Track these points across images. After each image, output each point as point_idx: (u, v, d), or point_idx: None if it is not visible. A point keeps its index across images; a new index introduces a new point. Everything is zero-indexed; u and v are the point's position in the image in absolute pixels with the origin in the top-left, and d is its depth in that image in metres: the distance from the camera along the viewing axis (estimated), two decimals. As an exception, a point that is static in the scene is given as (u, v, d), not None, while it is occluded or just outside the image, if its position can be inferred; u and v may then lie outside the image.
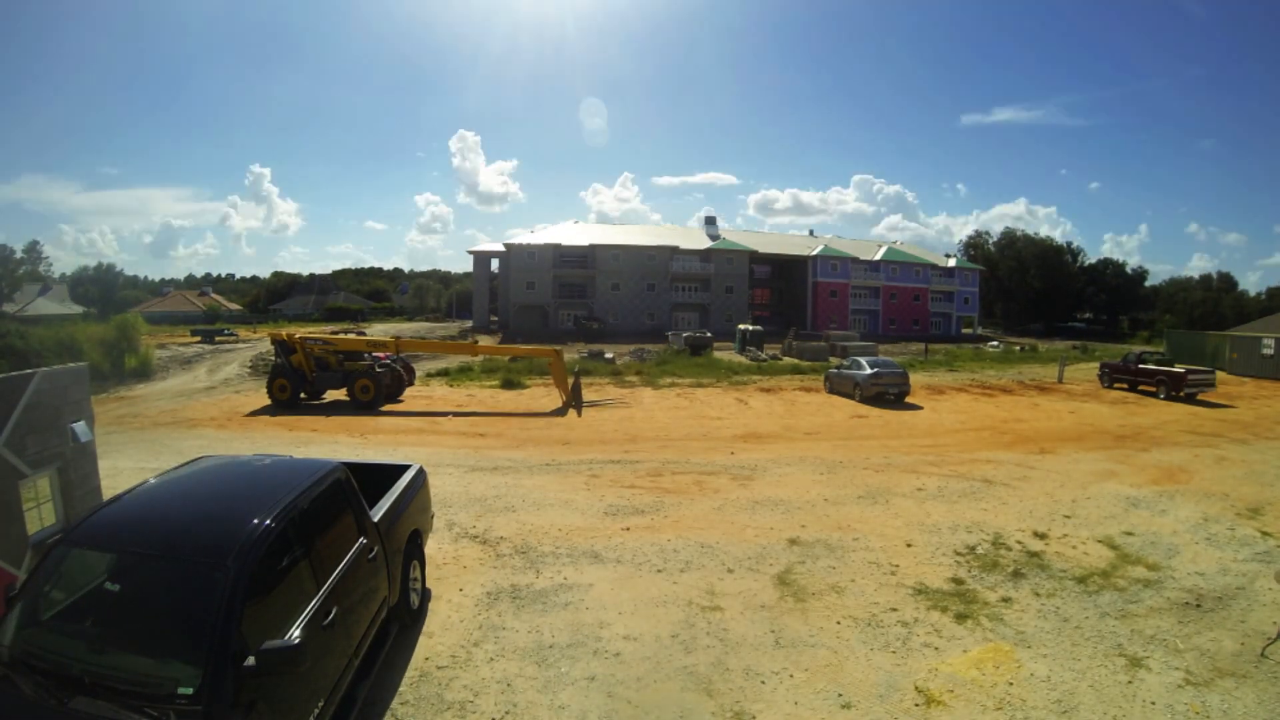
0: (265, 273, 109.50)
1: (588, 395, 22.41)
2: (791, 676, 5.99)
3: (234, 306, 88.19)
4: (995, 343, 53.96)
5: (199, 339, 42.07)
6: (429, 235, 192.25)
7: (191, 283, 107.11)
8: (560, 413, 20.35)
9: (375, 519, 5.94)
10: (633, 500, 11.02)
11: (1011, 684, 5.88)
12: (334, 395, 21.90)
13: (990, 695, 5.71)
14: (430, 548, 8.91)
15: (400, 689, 5.73)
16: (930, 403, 22.89)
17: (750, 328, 43.76)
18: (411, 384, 24.18)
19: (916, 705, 5.58)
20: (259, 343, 38.60)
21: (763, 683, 5.89)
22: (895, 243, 73.47)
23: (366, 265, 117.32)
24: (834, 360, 32.49)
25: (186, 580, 3.85)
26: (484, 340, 43.90)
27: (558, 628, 6.79)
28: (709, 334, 43.43)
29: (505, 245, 59.28)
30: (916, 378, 29.36)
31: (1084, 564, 8.54)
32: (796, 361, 35.41)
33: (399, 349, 23.33)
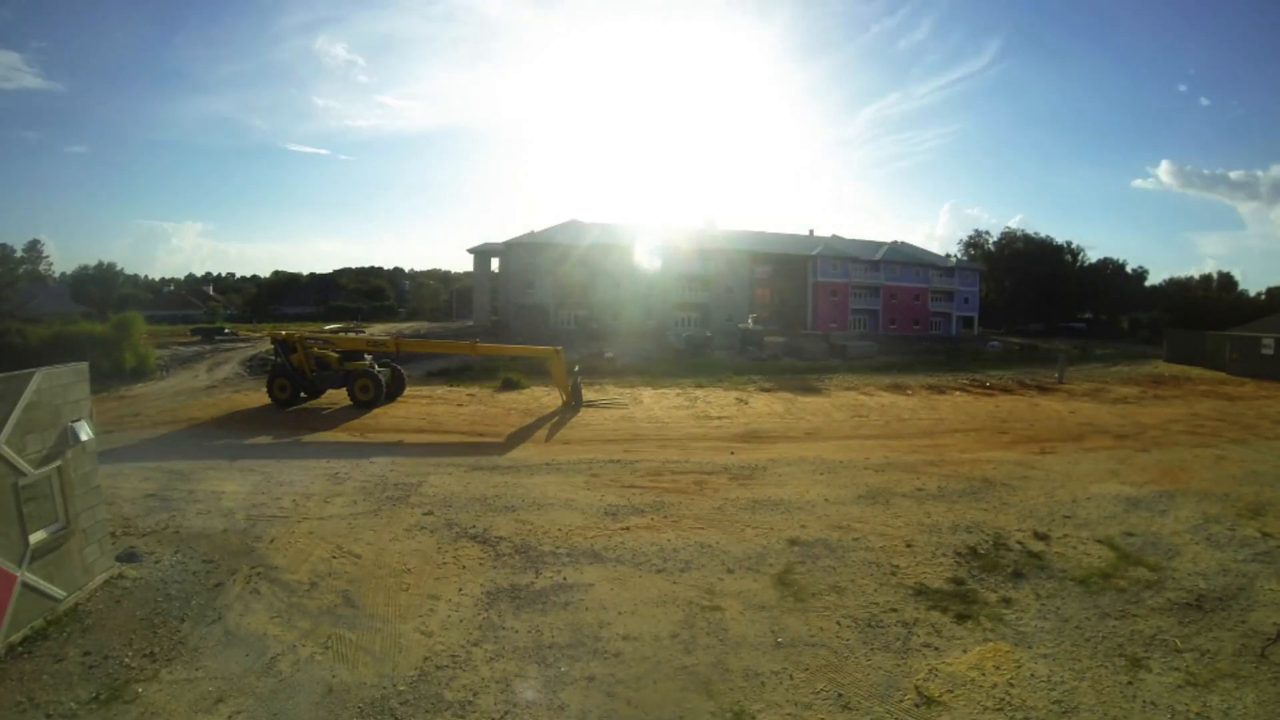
0: (265, 272, 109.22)
1: (588, 395, 22.38)
2: (791, 677, 5.99)
3: (233, 308, 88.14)
4: (995, 342, 53.94)
5: (199, 338, 42.01)
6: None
7: (191, 282, 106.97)
8: (558, 413, 20.34)
9: None
10: (633, 500, 11.01)
11: (1012, 684, 5.87)
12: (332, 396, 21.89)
13: (990, 695, 5.71)
14: (430, 547, 8.93)
15: (400, 688, 5.73)
16: (930, 402, 22.87)
17: (750, 327, 43.74)
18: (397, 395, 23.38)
19: (916, 705, 5.58)
20: (259, 341, 38.58)
21: (763, 683, 5.89)
22: (895, 242, 73.44)
23: (366, 265, 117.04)
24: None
25: None
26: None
27: (557, 628, 6.79)
28: (709, 334, 43.41)
29: (505, 244, 59.27)
30: (916, 378, 29.36)
31: (1085, 564, 8.53)
32: (796, 361, 35.40)
33: (398, 349, 23.28)
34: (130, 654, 6.22)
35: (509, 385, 25.39)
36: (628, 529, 9.65)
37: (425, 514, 10.20)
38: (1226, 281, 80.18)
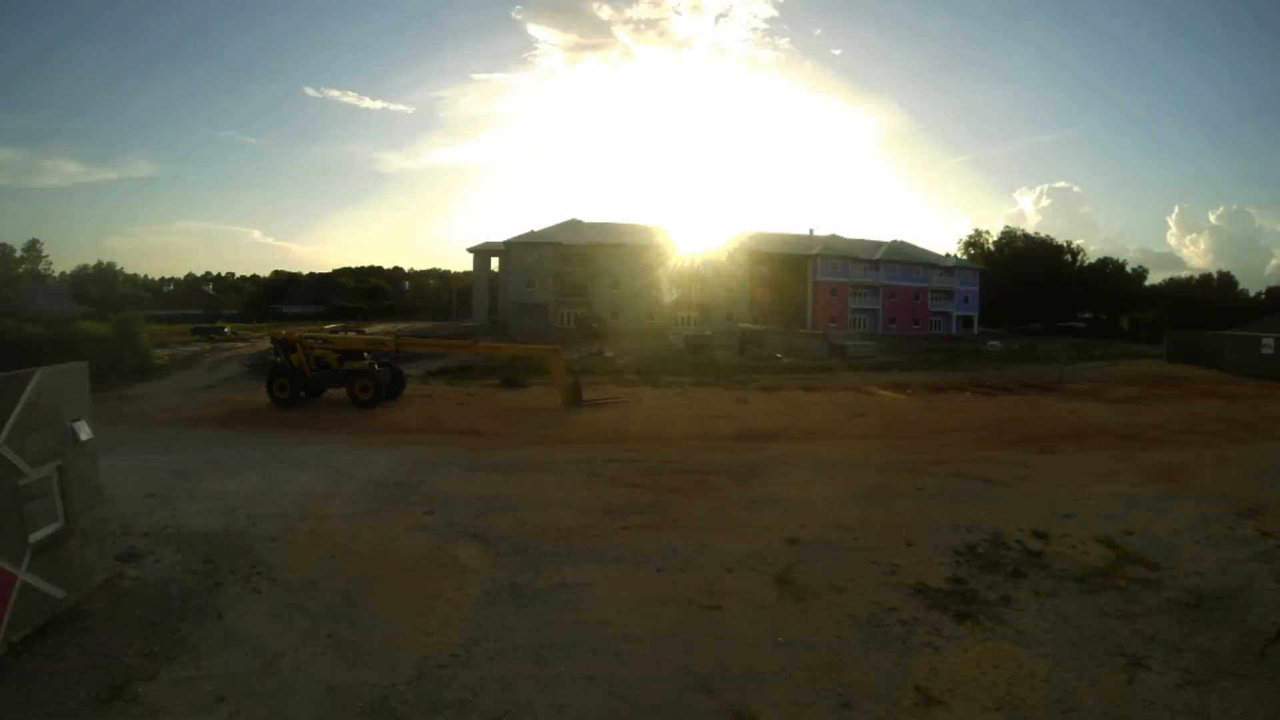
0: (265, 271, 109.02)
1: (588, 394, 22.39)
2: (791, 676, 5.99)
3: (233, 308, 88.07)
4: (995, 342, 53.93)
5: (199, 338, 42.00)
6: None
7: (191, 281, 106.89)
8: (558, 412, 20.34)
9: None
10: (633, 499, 11.01)
11: (1011, 683, 5.88)
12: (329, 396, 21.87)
13: (990, 695, 5.71)
14: (430, 546, 8.93)
15: (400, 688, 5.73)
16: (930, 401, 22.88)
17: (750, 327, 43.75)
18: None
19: (916, 705, 5.58)
20: (259, 341, 38.56)
21: (763, 682, 5.89)
22: (895, 241, 73.39)
23: (367, 264, 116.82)
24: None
25: None
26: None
27: (557, 627, 6.79)
28: (709, 333, 43.40)
29: (505, 244, 59.28)
30: (916, 377, 29.37)
31: (1084, 563, 8.53)
32: (796, 360, 35.41)
33: (398, 348, 23.27)
34: (130, 654, 6.22)
35: (509, 384, 25.39)
36: (628, 528, 9.65)
37: (425, 513, 10.20)
38: (1226, 281, 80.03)
